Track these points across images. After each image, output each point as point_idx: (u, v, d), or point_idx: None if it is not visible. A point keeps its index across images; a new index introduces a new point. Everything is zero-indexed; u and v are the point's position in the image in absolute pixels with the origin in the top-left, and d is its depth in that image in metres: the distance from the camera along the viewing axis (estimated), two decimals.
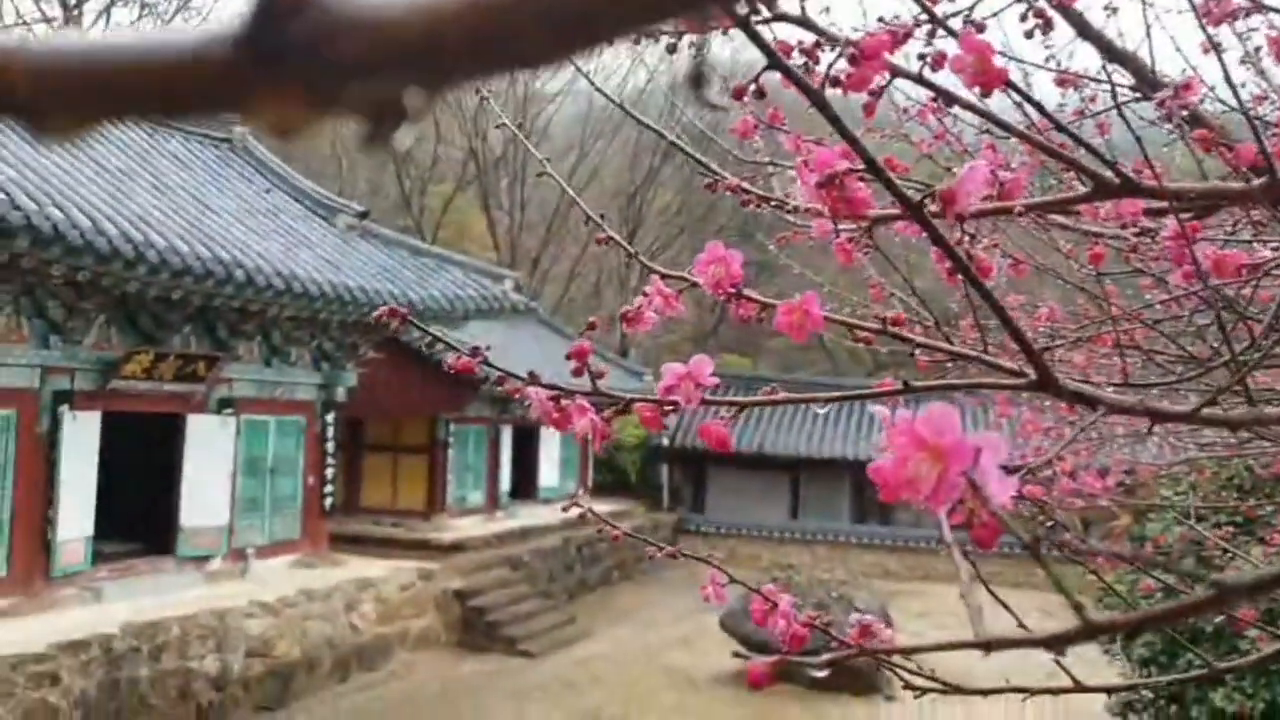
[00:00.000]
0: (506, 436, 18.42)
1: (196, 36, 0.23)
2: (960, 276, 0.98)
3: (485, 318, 13.05)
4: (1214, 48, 1.34)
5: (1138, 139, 1.31)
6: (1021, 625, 1.41)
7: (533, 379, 1.06)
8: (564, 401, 1.08)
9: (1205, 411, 0.95)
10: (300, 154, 24.56)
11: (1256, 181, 1.07)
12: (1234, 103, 2.86)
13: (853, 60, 0.85)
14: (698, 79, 0.32)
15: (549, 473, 19.99)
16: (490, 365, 1.07)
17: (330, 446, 13.47)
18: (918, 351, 1.19)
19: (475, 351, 1.06)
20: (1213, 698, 6.99)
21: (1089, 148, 1.13)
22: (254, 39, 0.22)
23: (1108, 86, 2.61)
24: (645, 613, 16.04)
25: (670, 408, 1.04)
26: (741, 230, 25.70)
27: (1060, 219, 2.43)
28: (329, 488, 13.47)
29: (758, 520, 22.43)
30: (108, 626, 9.17)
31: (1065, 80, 2.52)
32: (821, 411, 1.08)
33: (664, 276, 1.31)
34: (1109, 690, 1.28)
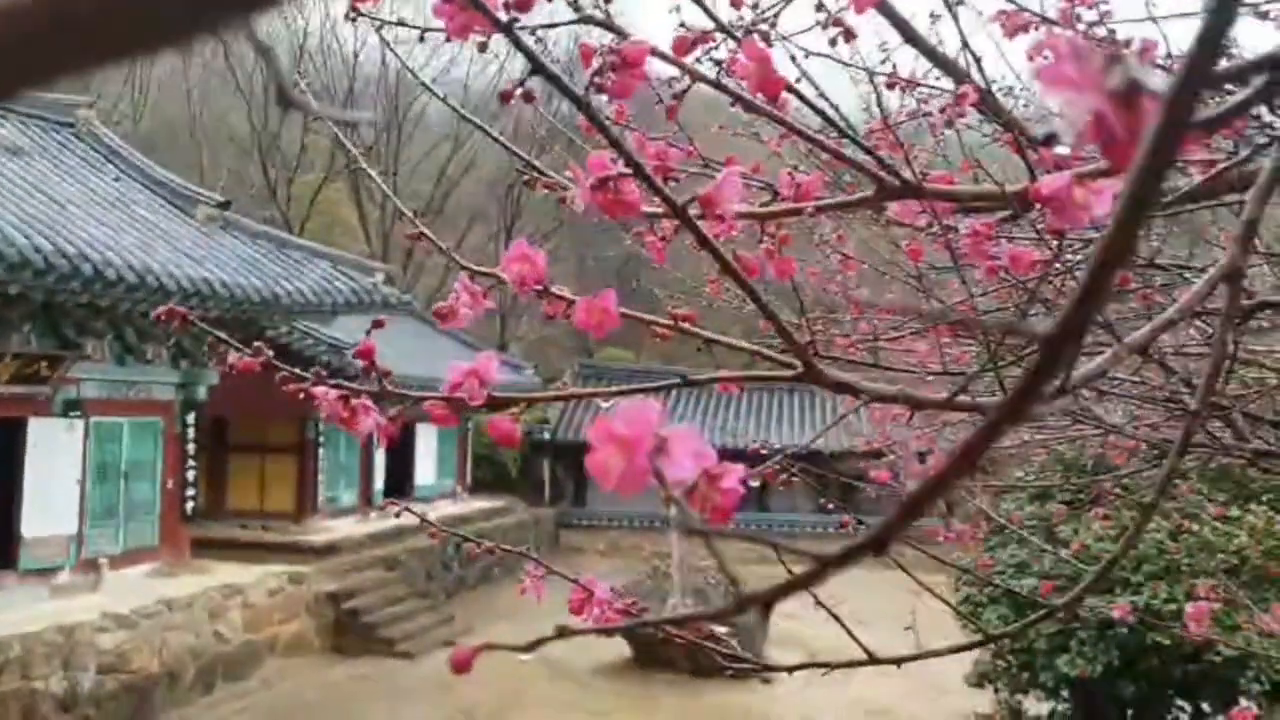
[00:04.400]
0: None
1: None
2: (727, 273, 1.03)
3: (356, 312, 12.71)
4: (975, 60, 1.43)
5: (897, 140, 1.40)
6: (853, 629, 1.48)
7: (319, 379, 1.05)
8: (352, 401, 1.08)
9: (958, 399, 1.03)
10: (156, 142, 23.33)
11: (1011, 188, 1.16)
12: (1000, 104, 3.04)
13: (614, 68, 0.88)
14: (283, 97, 0.34)
15: (426, 470, 19.64)
16: (277, 365, 1.06)
17: (191, 448, 12.87)
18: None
19: (259, 351, 1.04)
20: (1058, 663, 7.53)
21: (869, 151, 1.21)
22: None
23: (938, 91, 2.76)
24: (526, 609, 15.91)
25: (459, 406, 1.05)
26: (622, 223, 25.77)
27: (892, 215, 2.56)
28: (190, 491, 12.87)
29: (639, 510, 22.65)
30: None
31: (893, 83, 2.64)
32: (605, 406, 1.11)
33: (473, 274, 1.32)
34: (898, 661, 1.36)
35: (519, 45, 0.85)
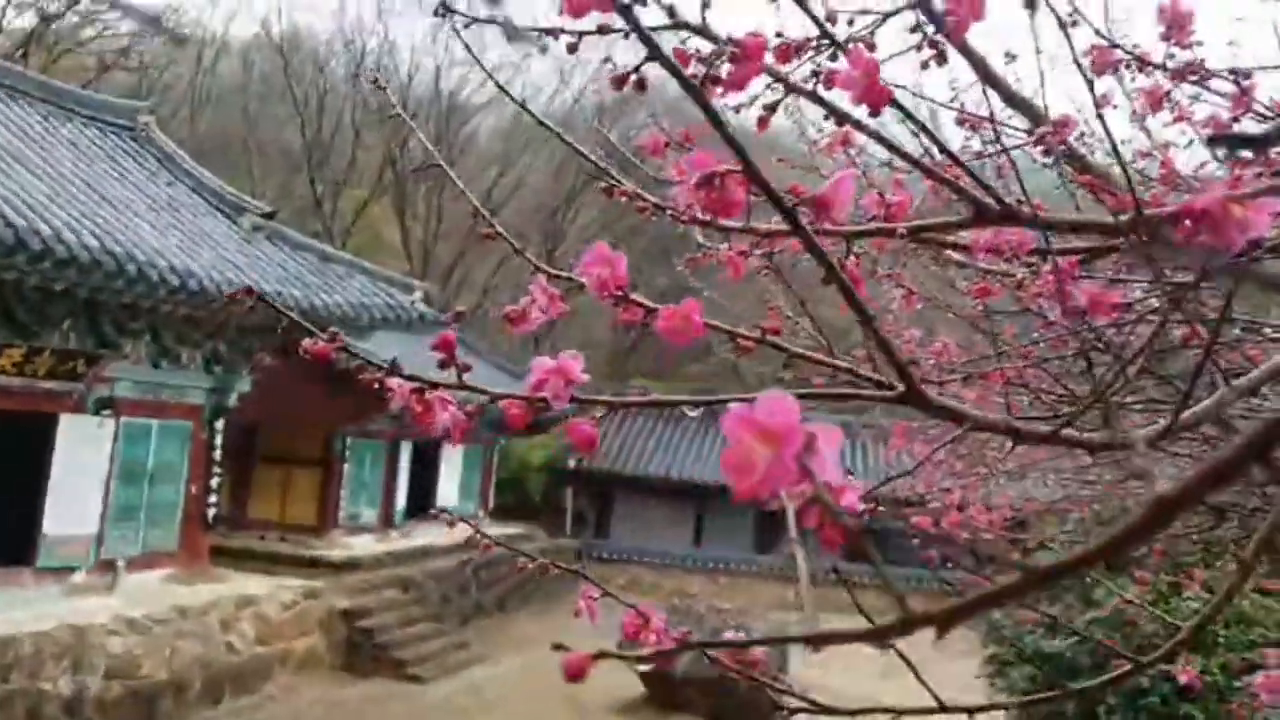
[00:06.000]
0: (406, 453, 17.98)
1: None
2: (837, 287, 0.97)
3: (393, 328, 12.77)
4: (1090, 90, 1.38)
5: (1016, 172, 1.34)
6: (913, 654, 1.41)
7: (394, 369, 1.00)
8: (428, 394, 1.03)
9: (1064, 432, 0.96)
10: (210, 149, 23.79)
11: (1124, 216, 1.10)
12: (1122, 157, 2.98)
13: (733, 59, 0.83)
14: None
15: (448, 492, 19.59)
16: (349, 352, 1.02)
17: (217, 455, 12.91)
18: (797, 367, 1.19)
19: (334, 337, 1.00)
20: None
21: (970, 173, 1.15)
22: None
23: (1008, 130, 2.69)
24: (542, 637, 15.78)
25: (540, 405, 1.00)
26: (662, 253, 25.90)
27: (956, 256, 2.48)
28: (213, 498, 12.89)
29: (661, 547, 22.45)
30: None
31: (965, 120, 2.59)
32: (692, 414, 1.05)
33: (550, 276, 1.27)
34: (970, 710, 1.28)
35: (637, 28, 0.80)
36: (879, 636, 0.46)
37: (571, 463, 22.08)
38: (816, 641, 0.52)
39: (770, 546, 22.78)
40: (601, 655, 0.65)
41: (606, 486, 22.86)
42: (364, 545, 16.00)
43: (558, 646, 0.67)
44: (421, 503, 18.50)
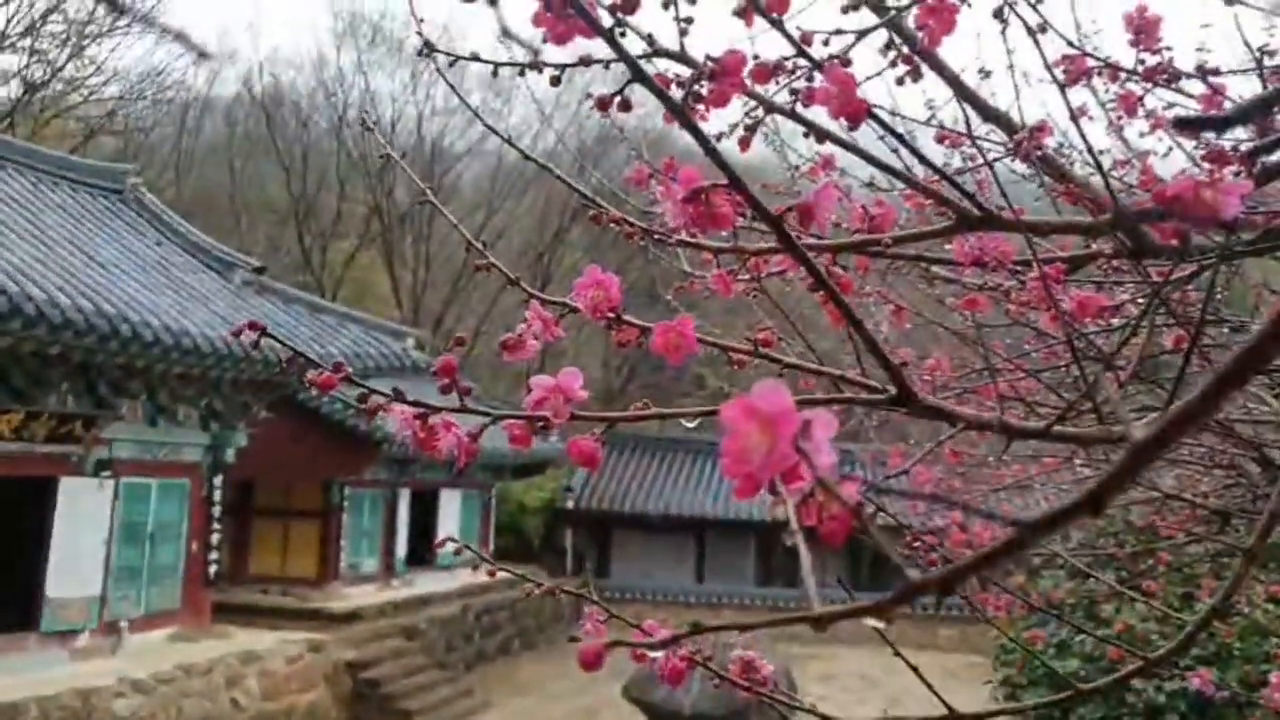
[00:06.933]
0: (404, 501, 17.87)
1: None
2: (826, 296, 0.99)
3: (386, 376, 12.79)
4: (1062, 95, 1.42)
5: (998, 184, 1.38)
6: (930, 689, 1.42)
7: (398, 395, 1.02)
8: (431, 420, 1.05)
9: (1056, 428, 0.98)
10: (197, 208, 23.96)
11: (1104, 216, 1.13)
12: (1099, 159, 3.04)
13: (713, 75, 0.87)
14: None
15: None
16: (353, 381, 1.04)
17: (217, 511, 12.84)
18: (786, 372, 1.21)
19: (339, 367, 1.02)
20: None
21: (951, 180, 1.18)
22: None
23: (987, 145, 2.74)
24: (547, 683, 15.62)
25: (541, 424, 1.02)
26: (649, 292, 26.00)
27: (943, 272, 2.51)
28: (214, 555, 12.80)
29: (663, 584, 22.28)
30: None
31: (944, 137, 2.63)
32: (689, 425, 1.07)
33: (544, 302, 1.30)
34: (980, 717, 1.28)
35: (620, 52, 0.83)
36: (883, 609, 0.48)
37: (569, 503, 21.99)
38: (821, 620, 0.54)
39: (773, 578, 22.64)
40: (615, 644, 0.67)
41: (605, 525, 22.74)
42: (366, 595, 15.86)
43: (573, 639, 0.69)
44: (422, 550, 18.38)
